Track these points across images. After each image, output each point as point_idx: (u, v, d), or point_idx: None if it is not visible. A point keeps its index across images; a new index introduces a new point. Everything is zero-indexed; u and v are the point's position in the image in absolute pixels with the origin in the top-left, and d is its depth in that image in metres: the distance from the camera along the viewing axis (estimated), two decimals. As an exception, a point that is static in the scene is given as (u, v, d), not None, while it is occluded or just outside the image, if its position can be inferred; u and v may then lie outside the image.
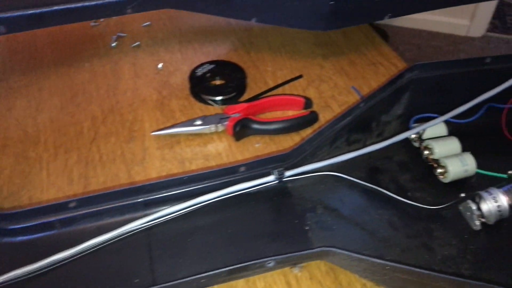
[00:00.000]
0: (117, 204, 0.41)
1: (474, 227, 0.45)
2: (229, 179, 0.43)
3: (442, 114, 0.50)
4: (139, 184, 0.43)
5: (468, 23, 2.11)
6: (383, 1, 0.56)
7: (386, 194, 0.44)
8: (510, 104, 0.52)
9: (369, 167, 0.49)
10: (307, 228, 0.41)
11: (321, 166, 0.44)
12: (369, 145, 0.48)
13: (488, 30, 2.14)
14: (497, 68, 0.52)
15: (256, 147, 0.53)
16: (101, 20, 0.73)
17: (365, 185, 0.44)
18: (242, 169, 0.43)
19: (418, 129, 0.49)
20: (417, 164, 0.51)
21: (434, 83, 0.51)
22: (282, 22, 0.56)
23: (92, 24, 0.73)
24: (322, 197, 0.44)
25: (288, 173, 0.43)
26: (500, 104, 0.54)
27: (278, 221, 0.41)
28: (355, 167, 0.48)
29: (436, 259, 0.41)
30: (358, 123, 0.48)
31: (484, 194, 0.45)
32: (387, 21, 2.13)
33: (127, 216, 0.41)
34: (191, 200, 0.41)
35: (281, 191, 0.44)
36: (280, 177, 0.43)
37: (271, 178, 0.43)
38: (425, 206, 0.44)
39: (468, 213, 0.45)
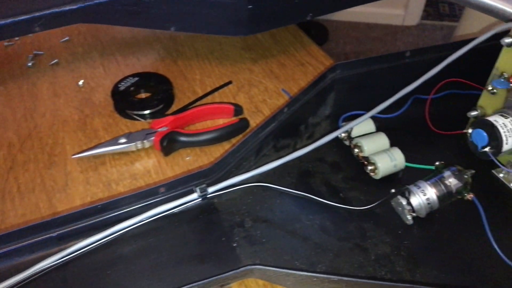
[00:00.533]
0: (27, 242, 0.38)
1: (407, 222, 0.45)
2: (149, 202, 0.41)
3: (369, 110, 0.50)
4: (48, 218, 0.39)
5: (403, 12, 2.17)
6: (303, 2, 0.55)
7: (315, 199, 0.43)
8: (432, 95, 0.53)
9: (300, 171, 0.48)
10: (234, 244, 0.39)
11: (247, 178, 0.42)
12: (299, 149, 0.47)
13: (423, 18, 2.21)
14: (417, 61, 0.52)
15: (187, 160, 0.51)
16: (16, 38, 0.69)
17: (293, 192, 0.43)
18: (162, 190, 0.41)
19: (344, 128, 0.49)
20: (349, 163, 0.51)
21: (357, 81, 0.51)
22: (202, 29, 0.54)
23: (6, 44, 0.68)
24: (250, 209, 0.42)
25: (211, 189, 0.41)
26: (424, 96, 0.55)
27: (204, 241, 0.40)
28: (286, 173, 0.47)
29: (370, 260, 0.41)
30: (285, 128, 0.47)
31: (413, 188, 0.45)
32: (325, 16, 2.17)
33: (39, 254, 0.38)
34: (108, 229, 0.39)
35: (207, 208, 0.42)
36: (203, 194, 0.41)
37: (194, 196, 0.41)
38: (354, 208, 0.43)
39: (400, 208, 0.45)
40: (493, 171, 0.50)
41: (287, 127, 0.48)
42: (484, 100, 0.52)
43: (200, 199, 0.41)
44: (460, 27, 0.99)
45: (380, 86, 0.53)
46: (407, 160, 0.50)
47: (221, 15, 0.53)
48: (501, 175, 0.50)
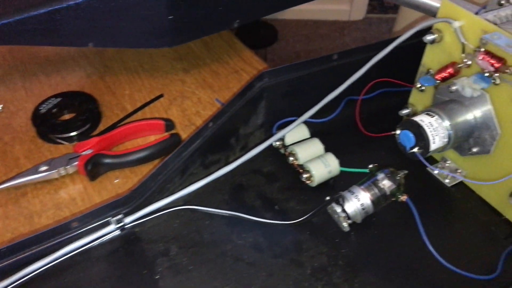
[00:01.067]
0: None
1: (344, 229, 0.44)
2: (62, 239, 0.38)
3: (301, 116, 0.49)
4: None
5: (349, 8, 2.20)
6: (229, 9, 0.53)
7: (244, 217, 0.41)
8: (364, 96, 0.53)
9: (233, 186, 0.46)
10: (157, 277, 0.37)
11: (172, 201, 0.40)
12: (232, 162, 0.45)
13: (368, 12, 2.25)
14: (345, 63, 0.52)
15: (116, 184, 0.48)
16: None
17: (219, 212, 0.41)
18: (75, 224, 0.38)
19: (274, 138, 0.47)
20: (285, 173, 0.49)
21: (287, 87, 0.50)
22: (123, 43, 0.52)
23: None
24: (177, 235, 0.40)
25: (129, 218, 0.39)
26: (358, 97, 0.55)
27: (124, 277, 0.37)
28: (217, 190, 0.45)
29: (305, 274, 0.39)
30: (212, 143, 0.45)
31: (347, 194, 0.44)
32: (274, 16, 2.17)
33: None
34: (15, 274, 0.35)
35: (127, 238, 0.40)
36: (120, 225, 0.38)
37: (110, 228, 0.38)
38: (284, 222, 0.42)
39: (336, 216, 0.44)
40: (428, 169, 0.50)
41: (215, 141, 0.46)
42: (414, 98, 0.52)
43: (118, 231, 0.39)
44: (399, 20, 1.00)
45: (312, 90, 0.51)
46: (343, 165, 0.49)
47: (141, 28, 0.51)
48: (435, 172, 0.50)
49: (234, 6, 0.54)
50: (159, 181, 0.41)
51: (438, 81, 0.47)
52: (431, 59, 0.48)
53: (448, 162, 0.50)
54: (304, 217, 0.42)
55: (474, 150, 0.45)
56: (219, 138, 0.46)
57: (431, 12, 0.61)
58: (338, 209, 0.44)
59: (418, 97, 0.51)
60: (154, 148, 0.50)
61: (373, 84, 0.53)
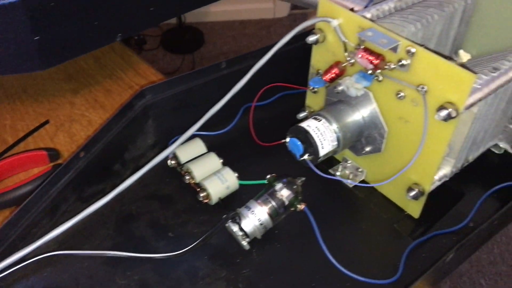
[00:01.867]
0: None
1: (245, 248, 0.42)
2: None
3: (198, 130, 0.46)
4: None
5: (272, 5, 2.20)
6: (107, 24, 0.49)
7: (125, 256, 0.37)
8: (257, 102, 0.50)
9: (120, 218, 0.42)
10: None
11: (39, 247, 0.36)
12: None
13: (292, 8, 2.26)
14: (235, 71, 0.49)
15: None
16: None
17: (92, 254, 0.37)
18: None
19: (160, 157, 0.43)
20: (183, 194, 0.46)
21: (175, 102, 0.47)
22: (-12, 71, 0.46)
23: None
24: (48, 285, 0.36)
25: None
26: (258, 103, 0.52)
27: None
28: (101, 224, 0.41)
29: (198, 307, 0.36)
30: (89, 174, 0.41)
31: (243, 211, 0.42)
32: (198, 19, 2.13)
33: None
34: None
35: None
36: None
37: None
38: (169, 254, 0.39)
39: (234, 235, 0.42)
40: (330, 170, 0.49)
41: (92, 171, 0.42)
42: (310, 100, 0.51)
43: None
44: (309, 13, 1.00)
45: (205, 102, 0.49)
46: (243, 177, 0.46)
47: (7, 52, 0.46)
48: (338, 173, 0.49)
49: (112, 20, 0.50)
50: (21, 226, 0.36)
51: (327, 82, 0.45)
52: (318, 59, 0.47)
53: (349, 162, 0.49)
54: (194, 243, 0.39)
55: (367, 149, 0.44)
56: (97, 167, 0.42)
57: (313, 6, 0.60)
58: (235, 228, 0.41)
59: (314, 99, 0.50)
60: (34, 182, 0.45)
61: (267, 89, 0.51)
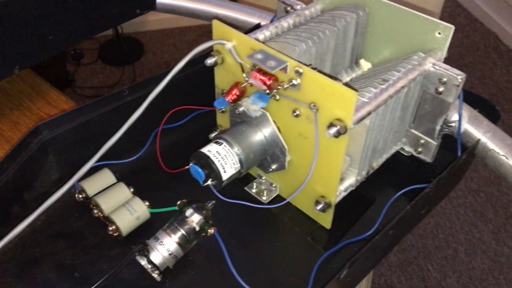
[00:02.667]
0: None
1: (156, 279, 0.41)
2: None
3: (109, 160, 0.45)
4: None
5: (211, 10, 2.19)
6: (1, 59, 0.47)
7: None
8: (168, 125, 0.50)
9: (22, 262, 0.41)
10: None
11: None
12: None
13: (231, 12, 2.26)
14: (139, 96, 0.48)
15: None
16: None
17: None
18: None
19: (56, 196, 0.42)
20: (93, 229, 0.45)
21: (76, 134, 0.46)
22: None
23: None
24: None
25: None
26: (169, 126, 0.52)
27: None
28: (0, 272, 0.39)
29: None
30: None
31: (151, 242, 0.41)
32: (136, 29, 2.09)
33: None
34: None
35: None
36: None
37: None
38: None
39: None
40: (246, 188, 0.49)
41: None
42: (220, 119, 0.51)
43: None
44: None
45: (110, 130, 0.47)
46: (155, 205, 0.46)
47: None
48: (253, 190, 0.49)
49: (7, 54, 0.48)
50: None
51: (230, 103, 0.45)
52: (221, 80, 0.47)
53: (263, 178, 0.49)
54: (97, 283, 0.38)
55: (273, 167, 0.44)
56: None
57: (208, 18, 0.61)
58: (143, 262, 0.40)
59: (223, 119, 0.50)
60: None
61: (179, 110, 0.50)
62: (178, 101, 0.51)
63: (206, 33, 2.18)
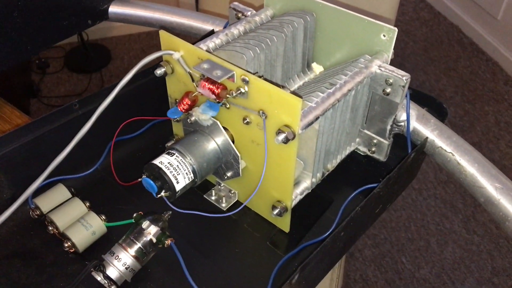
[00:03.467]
0: None
1: (116, 294, 0.41)
2: None
3: (61, 175, 0.44)
4: None
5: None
6: None
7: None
8: (124, 136, 0.49)
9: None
10: None
11: None
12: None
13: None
14: (90, 110, 0.48)
15: None
16: None
17: None
18: None
19: (6, 214, 0.41)
20: (49, 246, 0.44)
21: (25, 152, 0.45)
22: None
23: None
24: None
25: None
26: (125, 136, 0.51)
27: None
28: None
29: None
30: None
31: (107, 257, 0.41)
32: (101, 35, 2.06)
33: None
34: None
35: None
36: None
37: None
38: None
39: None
40: (205, 196, 0.49)
41: None
42: (176, 128, 0.51)
43: None
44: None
45: (63, 145, 0.47)
46: (112, 219, 0.45)
47: None
48: (212, 197, 0.49)
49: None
50: None
51: (182, 112, 0.45)
52: (173, 90, 0.47)
53: (222, 185, 0.49)
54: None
55: (228, 174, 0.45)
56: None
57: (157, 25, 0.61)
58: (99, 277, 0.40)
59: (179, 128, 0.50)
60: None
61: (135, 121, 0.50)
62: (132, 111, 0.51)
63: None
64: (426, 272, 1.30)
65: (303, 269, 0.37)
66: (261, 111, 0.39)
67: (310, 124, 0.39)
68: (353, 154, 0.53)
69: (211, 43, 0.47)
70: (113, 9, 0.60)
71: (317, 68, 0.51)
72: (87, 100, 0.47)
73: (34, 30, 0.52)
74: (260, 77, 0.38)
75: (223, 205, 0.48)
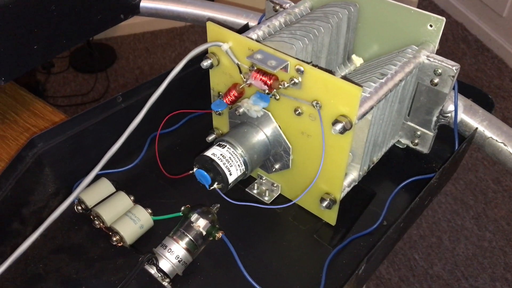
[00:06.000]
0: None
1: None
2: None
3: (103, 170, 0.44)
4: None
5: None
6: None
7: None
8: (162, 131, 0.49)
9: (26, 280, 0.39)
10: None
11: None
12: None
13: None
14: (133, 103, 0.47)
15: None
16: None
17: None
18: None
19: (61, 209, 0.41)
20: (95, 241, 0.44)
21: (71, 145, 0.44)
22: None
23: None
24: None
25: None
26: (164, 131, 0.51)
27: None
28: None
29: None
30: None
31: (159, 250, 0.40)
32: (106, 34, 2.05)
33: None
34: None
35: None
36: None
37: None
38: None
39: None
40: (247, 189, 0.49)
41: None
42: (217, 122, 0.50)
43: None
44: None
45: (106, 139, 0.46)
46: (157, 213, 0.45)
47: None
48: (254, 191, 0.49)
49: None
50: None
51: (228, 105, 0.45)
52: (217, 82, 0.46)
53: (264, 178, 0.49)
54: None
55: (277, 167, 0.44)
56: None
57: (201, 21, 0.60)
58: (152, 270, 0.40)
59: (220, 121, 0.49)
60: None
61: (172, 115, 0.50)
62: (170, 105, 0.50)
63: (178, 36, 2.16)
64: (439, 268, 1.30)
65: (369, 259, 0.36)
66: (315, 102, 0.38)
67: (365, 114, 0.39)
68: (389, 148, 0.52)
69: (253, 35, 0.46)
70: (144, 3, 0.59)
71: (357, 60, 0.51)
72: (130, 93, 0.47)
73: (70, 24, 0.52)
74: (314, 66, 0.38)
75: (266, 198, 0.48)
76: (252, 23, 0.58)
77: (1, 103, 0.58)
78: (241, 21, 0.59)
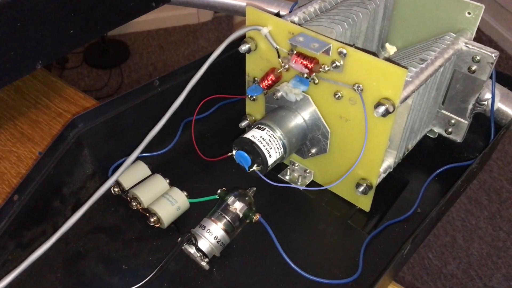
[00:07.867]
0: None
1: (205, 268, 0.41)
2: None
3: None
4: None
5: (196, 10, 2.18)
6: (24, 54, 0.46)
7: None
8: (198, 115, 0.49)
9: (67, 258, 0.40)
10: None
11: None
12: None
13: (216, 12, 2.25)
14: (169, 87, 0.48)
15: None
16: None
17: None
18: None
19: (102, 189, 0.41)
20: (132, 222, 0.44)
21: (110, 127, 0.45)
22: None
23: None
24: None
25: None
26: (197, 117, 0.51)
27: None
28: (47, 269, 0.38)
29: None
30: (26, 217, 0.38)
31: (198, 230, 0.41)
32: (120, 31, 2.06)
33: None
34: None
35: None
36: None
37: None
38: None
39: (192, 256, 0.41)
40: (279, 175, 0.49)
41: (30, 214, 0.39)
42: (250, 108, 0.50)
43: None
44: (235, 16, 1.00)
45: (141, 123, 0.47)
46: (193, 196, 0.45)
47: None
48: (287, 177, 0.49)
49: (30, 48, 0.46)
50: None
51: (264, 90, 0.45)
52: (253, 67, 0.47)
53: (296, 164, 0.49)
54: (153, 273, 0.37)
55: (313, 151, 0.44)
56: (35, 208, 0.39)
57: (240, 12, 0.60)
58: (192, 250, 0.40)
59: (253, 107, 0.50)
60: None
61: (206, 101, 0.50)
62: (202, 91, 0.51)
63: (191, 33, 2.17)
64: (453, 267, 1.30)
65: (413, 240, 0.37)
66: (356, 85, 0.38)
67: (406, 98, 0.39)
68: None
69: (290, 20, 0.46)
70: (175, -8, 0.60)
71: (391, 49, 0.51)
72: (166, 77, 0.47)
73: (105, 9, 0.52)
74: (358, 49, 0.38)
75: (299, 184, 0.48)
76: (283, 12, 0.58)
77: (33, 89, 0.59)
78: (272, 9, 0.59)
